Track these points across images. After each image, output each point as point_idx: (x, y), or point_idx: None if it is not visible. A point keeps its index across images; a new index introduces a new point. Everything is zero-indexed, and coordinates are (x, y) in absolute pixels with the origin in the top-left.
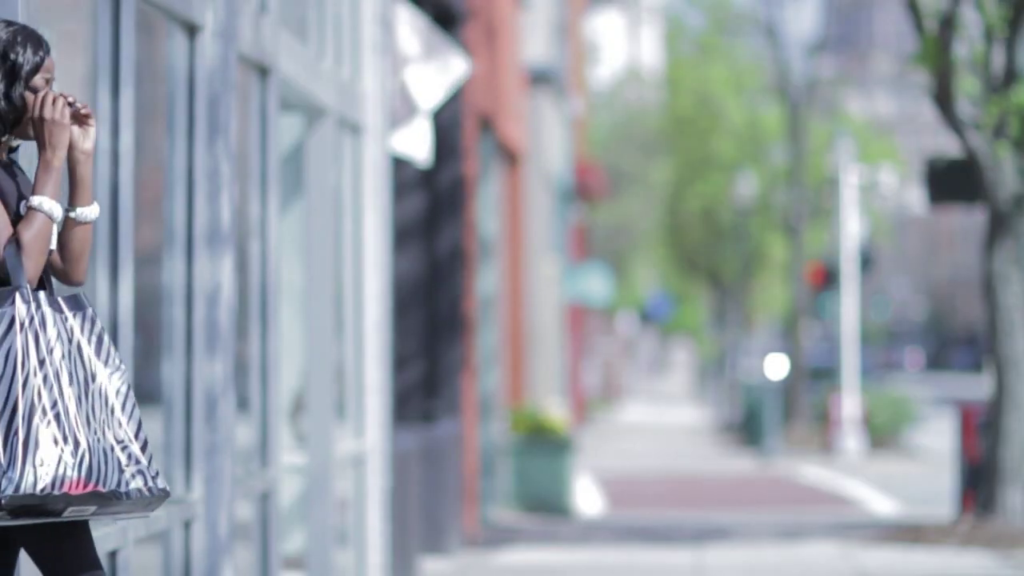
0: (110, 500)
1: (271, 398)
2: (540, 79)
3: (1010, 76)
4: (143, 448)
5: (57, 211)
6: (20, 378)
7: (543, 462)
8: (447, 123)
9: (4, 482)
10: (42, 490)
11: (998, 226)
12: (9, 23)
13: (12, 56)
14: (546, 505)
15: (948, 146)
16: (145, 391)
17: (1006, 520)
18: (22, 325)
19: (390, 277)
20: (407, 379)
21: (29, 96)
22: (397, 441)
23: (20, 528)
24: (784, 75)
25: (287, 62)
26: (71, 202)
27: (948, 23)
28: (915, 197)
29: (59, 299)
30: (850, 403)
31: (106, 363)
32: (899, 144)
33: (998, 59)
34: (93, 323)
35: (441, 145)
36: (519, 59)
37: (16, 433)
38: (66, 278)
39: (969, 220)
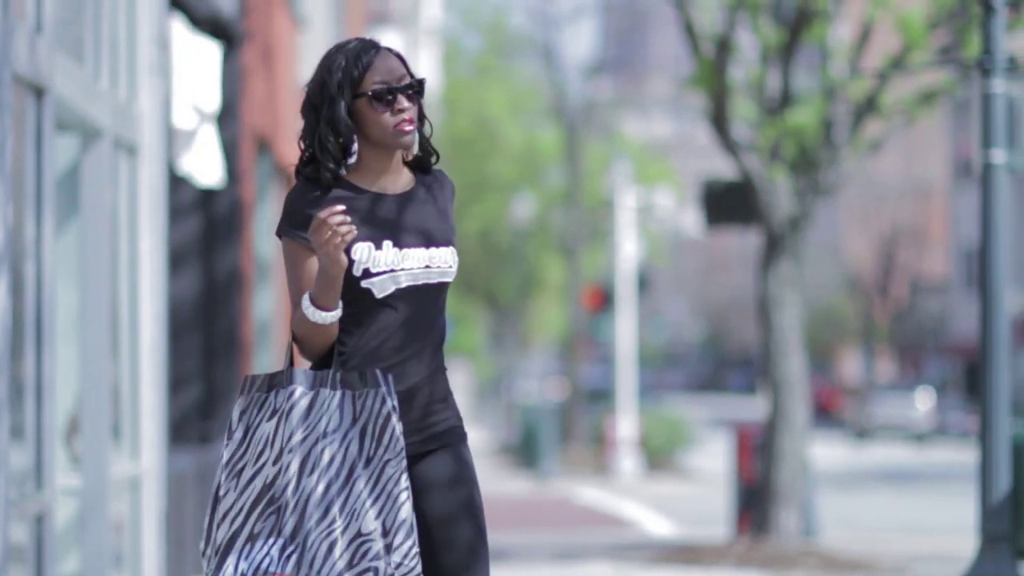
0: None
1: (46, 420)
2: None
3: (785, 99)
4: (391, 546)
5: (319, 316)
6: (255, 467)
7: None
8: (225, 145)
9: (204, 563)
10: None
11: (773, 248)
12: (342, 45)
13: (334, 80)
14: None
15: (725, 168)
16: None
17: (781, 541)
18: (276, 411)
19: (166, 299)
20: (183, 401)
21: (380, 118)
22: (173, 463)
23: None
24: (561, 97)
25: (63, 83)
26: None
27: (724, 46)
28: (691, 219)
29: (353, 376)
30: (626, 425)
31: (386, 448)
32: (676, 166)
33: (774, 82)
34: (384, 402)
35: None
36: (297, 81)
37: (235, 524)
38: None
39: (745, 242)
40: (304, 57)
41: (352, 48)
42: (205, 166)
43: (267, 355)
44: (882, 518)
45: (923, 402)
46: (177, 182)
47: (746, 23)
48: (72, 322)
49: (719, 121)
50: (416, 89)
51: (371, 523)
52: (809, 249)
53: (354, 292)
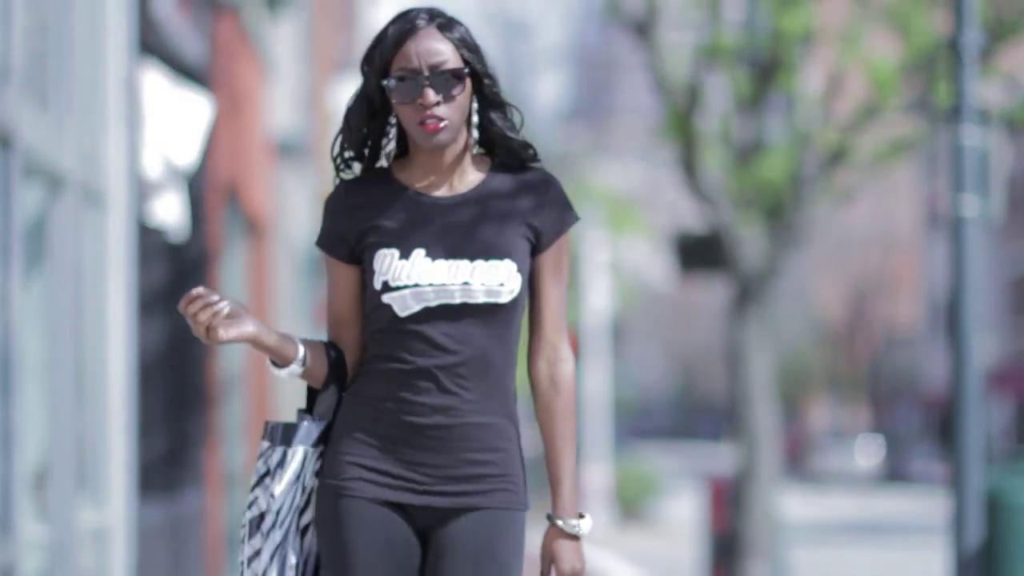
0: None
1: (14, 470)
2: (286, 149)
3: (756, 148)
4: None
5: (272, 370)
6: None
7: None
8: (192, 194)
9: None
10: None
11: (743, 298)
12: (403, 13)
13: (368, 55)
14: None
15: (695, 217)
16: None
17: None
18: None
19: (135, 347)
20: (151, 450)
21: (404, 112)
22: (141, 513)
23: None
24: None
25: (29, 130)
26: None
27: (693, 94)
28: (662, 269)
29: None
30: (599, 475)
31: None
32: (646, 215)
33: (745, 131)
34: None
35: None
36: (264, 129)
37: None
38: None
39: (715, 292)
40: (272, 106)
41: (398, 20)
42: (168, 213)
43: (235, 405)
44: (846, 569)
45: (863, 452)
46: (144, 231)
47: (718, 71)
48: (39, 372)
49: (689, 169)
50: (448, 76)
51: None
52: (779, 298)
53: (375, 308)
